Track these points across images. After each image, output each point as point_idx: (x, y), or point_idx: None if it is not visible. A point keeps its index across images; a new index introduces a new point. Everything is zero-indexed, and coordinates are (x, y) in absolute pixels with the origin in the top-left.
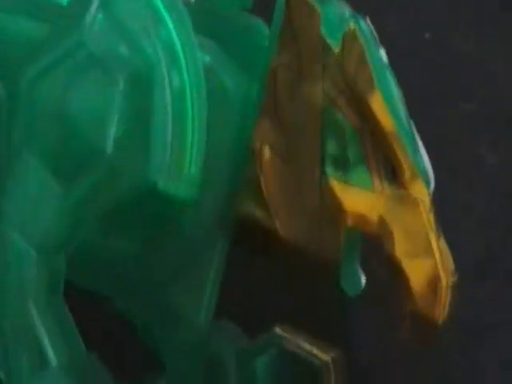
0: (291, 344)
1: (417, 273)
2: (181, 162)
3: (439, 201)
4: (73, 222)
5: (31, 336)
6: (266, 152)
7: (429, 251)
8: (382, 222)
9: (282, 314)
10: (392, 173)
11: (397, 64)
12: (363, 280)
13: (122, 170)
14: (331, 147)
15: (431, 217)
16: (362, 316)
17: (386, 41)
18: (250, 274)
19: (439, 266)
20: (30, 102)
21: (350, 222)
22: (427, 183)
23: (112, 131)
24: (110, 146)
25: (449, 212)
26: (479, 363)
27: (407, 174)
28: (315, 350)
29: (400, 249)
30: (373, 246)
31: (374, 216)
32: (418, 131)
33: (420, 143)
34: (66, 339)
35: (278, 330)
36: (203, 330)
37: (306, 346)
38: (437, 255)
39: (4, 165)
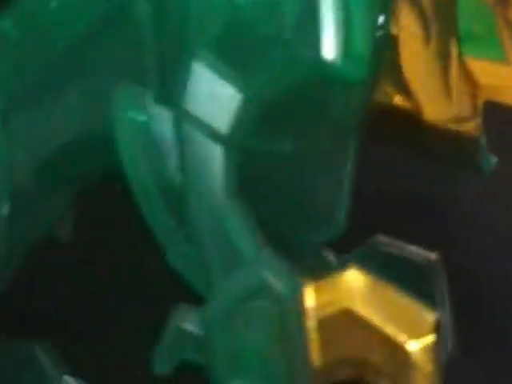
0: (396, 248)
1: None
2: (355, 42)
3: None
4: (256, 112)
5: (224, 236)
6: (405, 36)
7: None
8: None
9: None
10: None
11: None
12: (494, 157)
13: (298, 55)
14: (465, 25)
15: None
16: None
17: None
18: None
19: None
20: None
21: (486, 95)
22: None
23: (287, 18)
24: (288, 32)
25: None
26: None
27: None
28: (421, 251)
29: None
30: None
31: (509, 87)
32: None
33: None
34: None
35: (380, 237)
36: (342, 227)
37: (412, 248)
38: None
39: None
